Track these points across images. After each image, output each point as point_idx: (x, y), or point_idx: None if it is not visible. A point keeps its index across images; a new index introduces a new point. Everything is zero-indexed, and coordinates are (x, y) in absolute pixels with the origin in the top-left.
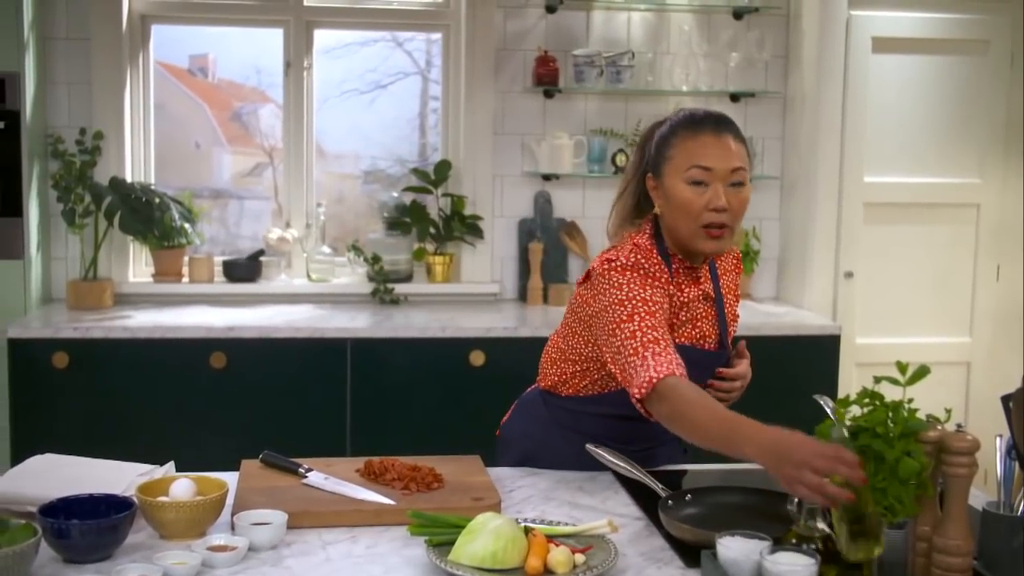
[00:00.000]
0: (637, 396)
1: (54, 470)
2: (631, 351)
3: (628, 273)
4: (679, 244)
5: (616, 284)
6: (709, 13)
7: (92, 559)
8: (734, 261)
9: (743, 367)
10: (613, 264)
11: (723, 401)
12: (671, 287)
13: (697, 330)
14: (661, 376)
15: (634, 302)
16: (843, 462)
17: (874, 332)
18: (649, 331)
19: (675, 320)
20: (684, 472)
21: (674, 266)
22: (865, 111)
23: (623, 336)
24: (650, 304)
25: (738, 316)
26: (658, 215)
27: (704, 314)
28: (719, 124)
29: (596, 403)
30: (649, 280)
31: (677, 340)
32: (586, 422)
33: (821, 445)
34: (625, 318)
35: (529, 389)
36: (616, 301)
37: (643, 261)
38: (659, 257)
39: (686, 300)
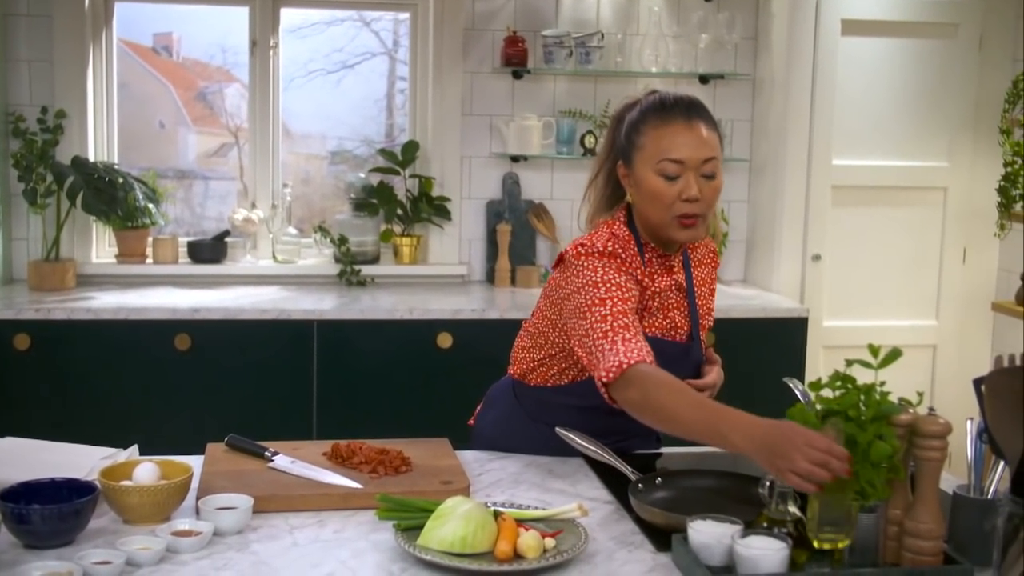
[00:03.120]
0: (604, 379)
1: (15, 454)
2: (600, 334)
3: (603, 259)
4: (652, 232)
5: (590, 268)
6: None
7: (54, 544)
8: (710, 255)
9: (714, 375)
10: (588, 249)
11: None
12: (644, 277)
13: (668, 320)
14: (631, 362)
15: (607, 286)
16: (834, 455)
17: (841, 315)
18: (620, 316)
19: (646, 309)
20: (655, 456)
21: (647, 255)
22: (834, 94)
23: (593, 319)
24: (623, 290)
25: (712, 310)
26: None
27: (676, 304)
28: (690, 111)
29: (563, 393)
30: (624, 267)
31: (646, 330)
32: (555, 413)
33: (812, 436)
34: (596, 301)
35: (502, 379)
36: (588, 283)
37: (619, 250)
38: (635, 247)
39: (658, 290)
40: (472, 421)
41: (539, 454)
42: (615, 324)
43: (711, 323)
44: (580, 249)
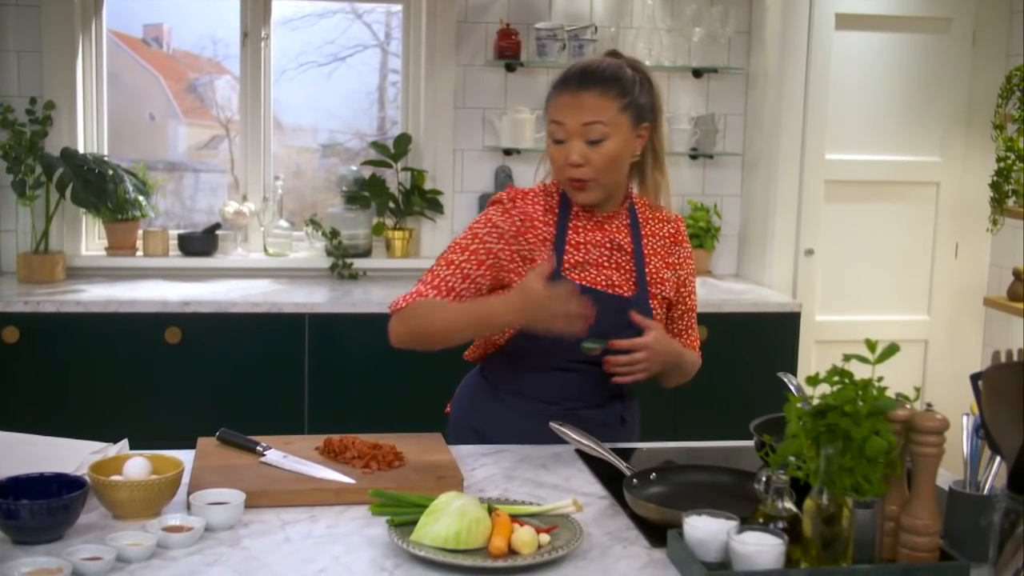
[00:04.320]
0: (389, 310)
1: (3, 448)
2: (424, 274)
3: (493, 206)
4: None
5: (480, 218)
6: None
7: (43, 540)
8: (672, 231)
9: (649, 337)
10: (503, 201)
11: (627, 376)
12: (546, 227)
13: (602, 275)
14: (412, 300)
15: (469, 239)
16: (566, 297)
17: (834, 310)
18: (454, 269)
19: (575, 262)
20: (649, 451)
21: (575, 208)
22: (827, 88)
23: (437, 261)
24: (479, 246)
25: (666, 281)
26: None
27: (612, 261)
28: (584, 78)
29: (498, 358)
30: (506, 216)
31: (579, 280)
32: (506, 381)
33: (553, 293)
34: (452, 249)
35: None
36: (468, 228)
37: (524, 200)
38: (557, 200)
39: (582, 241)
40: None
41: (507, 428)
42: (443, 273)
43: (664, 292)
44: (503, 200)
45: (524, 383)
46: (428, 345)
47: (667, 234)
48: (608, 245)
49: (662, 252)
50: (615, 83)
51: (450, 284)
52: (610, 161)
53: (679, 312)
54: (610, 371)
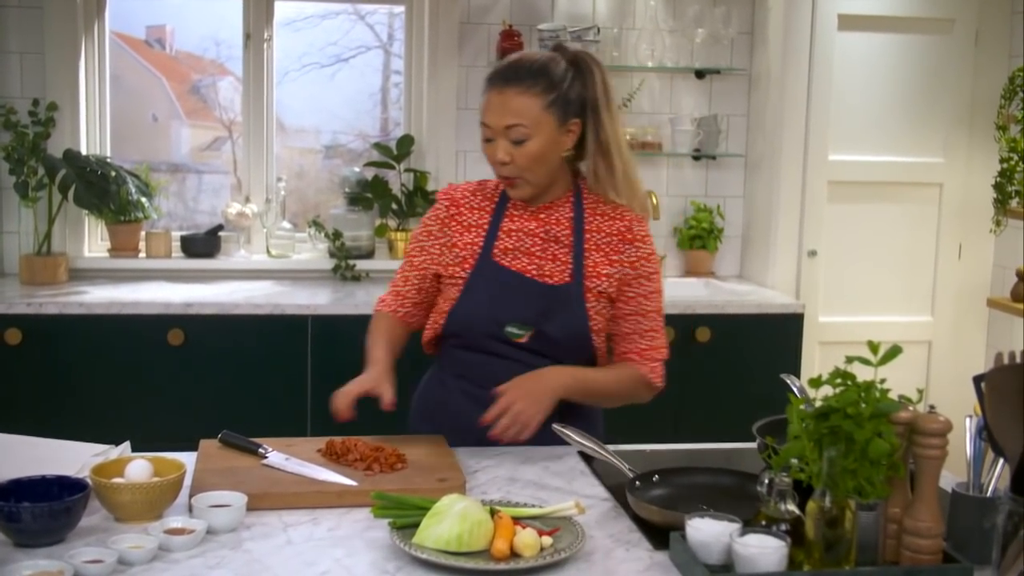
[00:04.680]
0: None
1: (5, 451)
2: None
3: (434, 211)
4: None
5: (423, 219)
6: None
7: (44, 543)
8: (622, 227)
9: (506, 398)
10: (437, 198)
11: (516, 434)
12: (481, 216)
13: (533, 263)
14: (375, 309)
15: (414, 239)
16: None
17: (837, 311)
18: (403, 272)
19: (507, 248)
20: (651, 453)
21: (513, 200)
22: (830, 89)
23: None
24: (422, 248)
25: (605, 276)
26: None
27: (546, 251)
28: (507, 78)
29: (442, 343)
30: (435, 212)
31: (508, 265)
32: (450, 365)
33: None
34: (406, 252)
35: None
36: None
37: (452, 190)
38: (493, 192)
39: (515, 229)
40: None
41: (451, 412)
42: (399, 275)
43: (606, 288)
44: (438, 197)
45: (463, 366)
46: None
47: (616, 231)
48: (543, 235)
49: (606, 248)
50: (541, 79)
51: (399, 290)
52: (533, 160)
53: (624, 312)
54: (499, 439)
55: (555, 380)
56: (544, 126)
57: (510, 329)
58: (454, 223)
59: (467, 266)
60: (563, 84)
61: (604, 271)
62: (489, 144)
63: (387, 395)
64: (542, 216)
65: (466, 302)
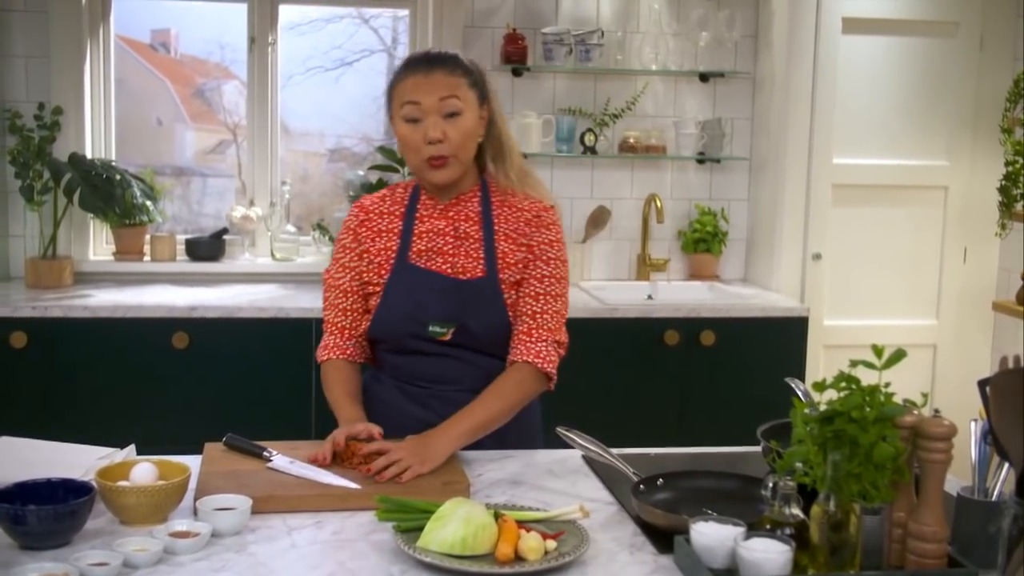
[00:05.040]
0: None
1: (10, 453)
2: (324, 316)
3: (344, 235)
4: (422, 180)
5: (335, 242)
6: None
7: (50, 545)
8: (530, 216)
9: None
10: (347, 216)
11: (402, 475)
12: (392, 222)
13: (447, 261)
14: (321, 359)
15: (333, 268)
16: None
17: (842, 314)
18: (332, 309)
19: (424, 249)
20: (656, 456)
21: (422, 199)
22: (834, 92)
23: (324, 299)
24: (347, 278)
25: (517, 264)
26: None
27: (458, 248)
28: (431, 61)
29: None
30: (347, 226)
31: (424, 266)
32: (385, 362)
33: (337, 430)
34: (328, 284)
35: None
36: (332, 258)
37: (360, 201)
38: (407, 192)
39: (427, 230)
40: None
41: (387, 409)
42: (331, 316)
43: (517, 277)
44: (345, 218)
45: (392, 368)
46: None
47: (524, 219)
48: (452, 233)
49: (514, 235)
50: (458, 63)
51: (336, 325)
52: (466, 135)
53: (522, 293)
54: (379, 479)
55: (441, 447)
56: (471, 102)
57: (433, 328)
58: (364, 230)
59: (384, 272)
60: (473, 71)
61: (512, 259)
62: (415, 125)
63: (374, 429)
64: (451, 214)
65: (386, 307)
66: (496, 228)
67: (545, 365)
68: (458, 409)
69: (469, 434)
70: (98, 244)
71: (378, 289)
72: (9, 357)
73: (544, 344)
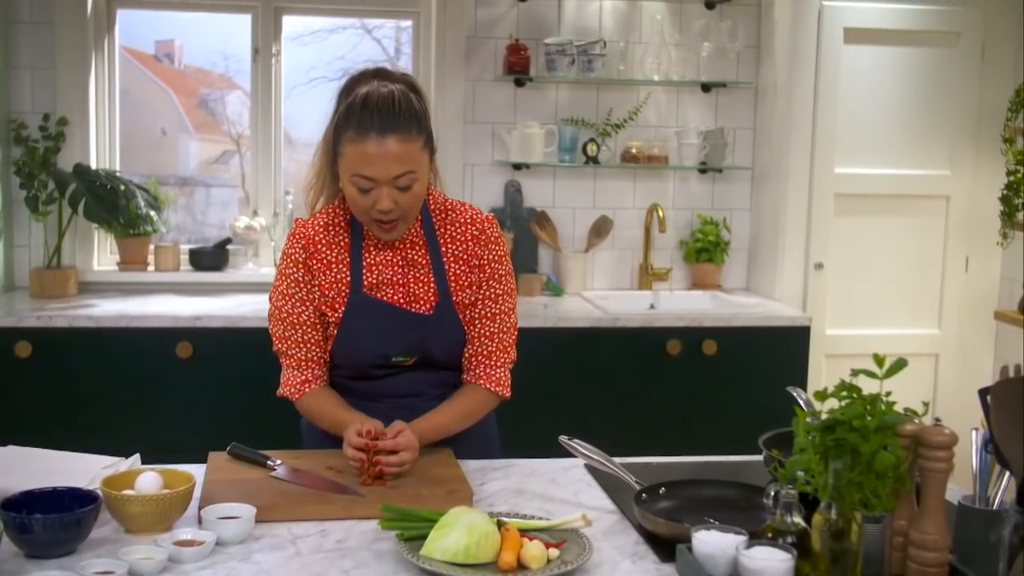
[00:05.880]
0: (277, 395)
1: (16, 462)
2: (277, 348)
3: (287, 243)
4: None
5: (280, 273)
6: (681, 2)
7: (55, 554)
8: (475, 232)
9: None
10: (289, 240)
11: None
12: (340, 255)
13: (399, 292)
14: (293, 398)
15: (286, 302)
16: (355, 444)
17: (844, 323)
18: (289, 343)
19: (376, 282)
20: (658, 466)
21: (364, 229)
22: (836, 102)
23: (274, 331)
24: (299, 311)
25: (470, 286)
26: None
27: (408, 277)
28: (386, 123)
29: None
30: (294, 246)
31: (381, 297)
32: (335, 382)
33: (348, 435)
34: (277, 302)
35: None
36: (276, 288)
37: (302, 227)
38: (345, 221)
39: (374, 262)
40: None
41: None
42: (288, 349)
43: (469, 297)
44: (286, 245)
45: (353, 387)
46: None
47: (470, 236)
48: (401, 263)
49: (464, 256)
50: (413, 121)
51: (300, 358)
52: (417, 199)
53: (474, 315)
54: (382, 470)
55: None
56: (423, 165)
57: (396, 359)
58: (315, 262)
59: (338, 305)
60: (426, 118)
61: (465, 282)
62: (365, 195)
63: (379, 424)
64: (397, 244)
65: (347, 341)
66: (443, 250)
67: (504, 391)
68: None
69: (430, 438)
70: (102, 254)
71: (333, 320)
72: (14, 367)
73: (502, 369)
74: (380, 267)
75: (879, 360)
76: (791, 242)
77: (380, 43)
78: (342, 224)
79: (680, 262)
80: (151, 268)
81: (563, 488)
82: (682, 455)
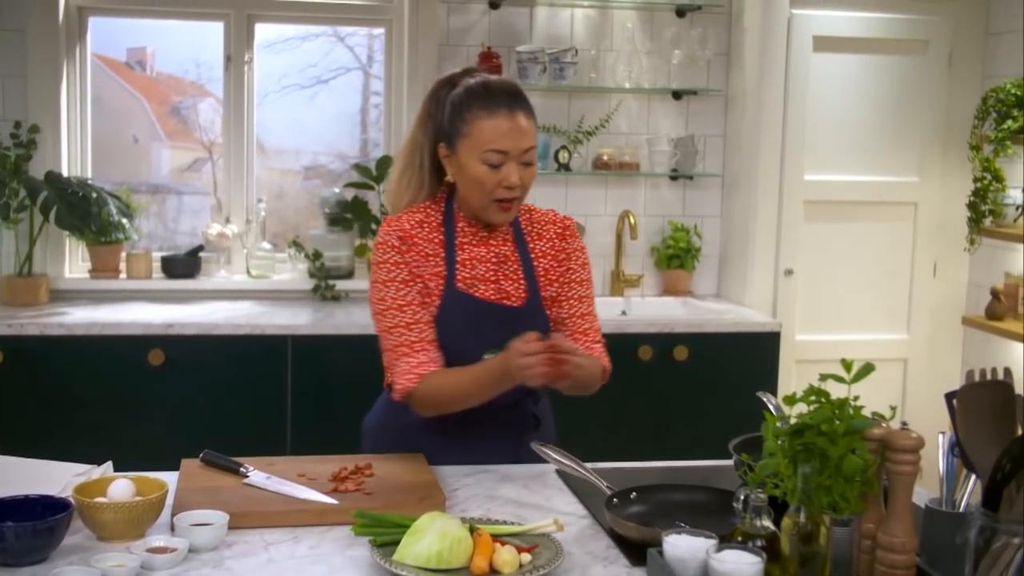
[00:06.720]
0: (396, 399)
1: None
2: (387, 346)
3: (378, 247)
4: (470, 212)
5: (377, 263)
6: (652, 10)
7: (27, 562)
8: (557, 228)
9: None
10: (383, 239)
11: (557, 377)
12: (434, 252)
13: (491, 288)
14: (411, 386)
15: (388, 288)
16: (527, 350)
17: (813, 329)
18: (397, 330)
19: (471, 278)
20: (630, 470)
21: (459, 225)
22: (806, 110)
23: (381, 327)
24: (403, 293)
25: (555, 279)
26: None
27: (500, 273)
28: (513, 101)
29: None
30: (406, 255)
31: (475, 294)
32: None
33: (514, 348)
34: (383, 306)
35: None
36: (375, 281)
37: (396, 221)
38: (439, 217)
39: (468, 258)
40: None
41: (417, 434)
42: (399, 339)
43: (555, 293)
44: (379, 234)
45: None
46: (449, 411)
47: (554, 234)
48: (493, 259)
49: (552, 251)
50: (527, 101)
51: (418, 343)
52: (533, 179)
53: (569, 312)
54: (558, 358)
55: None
56: (536, 148)
57: (486, 356)
58: (412, 253)
59: (435, 298)
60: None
61: (553, 276)
62: (495, 170)
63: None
64: (490, 240)
65: (442, 335)
66: (531, 247)
67: (609, 367)
68: (502, 408)
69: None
70: (74, 262)
71: (432, 311)
72: None
73: (603, 347)
74: (473, 263)
75: (847, 365)
76: (761, 248)
77: (353, 51)
78: (435, 222)
79: (651, 268)
80: (123, 276)
81: (535, 493)
82: (653, 460)
